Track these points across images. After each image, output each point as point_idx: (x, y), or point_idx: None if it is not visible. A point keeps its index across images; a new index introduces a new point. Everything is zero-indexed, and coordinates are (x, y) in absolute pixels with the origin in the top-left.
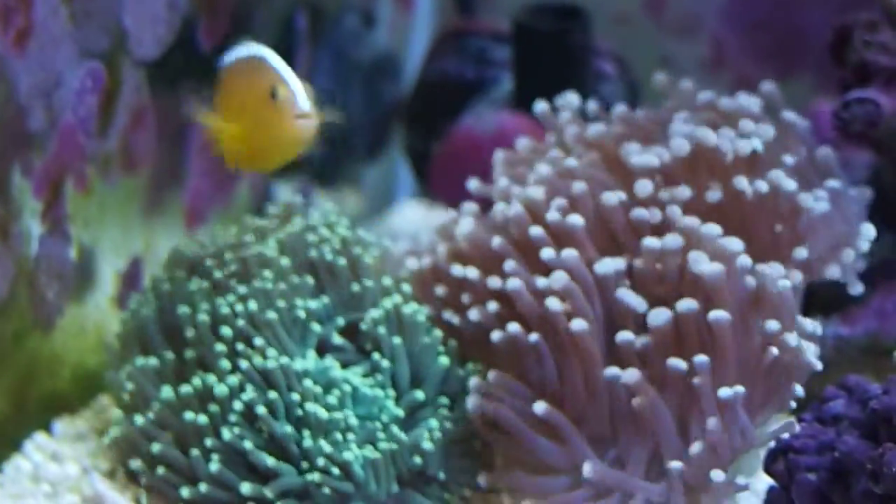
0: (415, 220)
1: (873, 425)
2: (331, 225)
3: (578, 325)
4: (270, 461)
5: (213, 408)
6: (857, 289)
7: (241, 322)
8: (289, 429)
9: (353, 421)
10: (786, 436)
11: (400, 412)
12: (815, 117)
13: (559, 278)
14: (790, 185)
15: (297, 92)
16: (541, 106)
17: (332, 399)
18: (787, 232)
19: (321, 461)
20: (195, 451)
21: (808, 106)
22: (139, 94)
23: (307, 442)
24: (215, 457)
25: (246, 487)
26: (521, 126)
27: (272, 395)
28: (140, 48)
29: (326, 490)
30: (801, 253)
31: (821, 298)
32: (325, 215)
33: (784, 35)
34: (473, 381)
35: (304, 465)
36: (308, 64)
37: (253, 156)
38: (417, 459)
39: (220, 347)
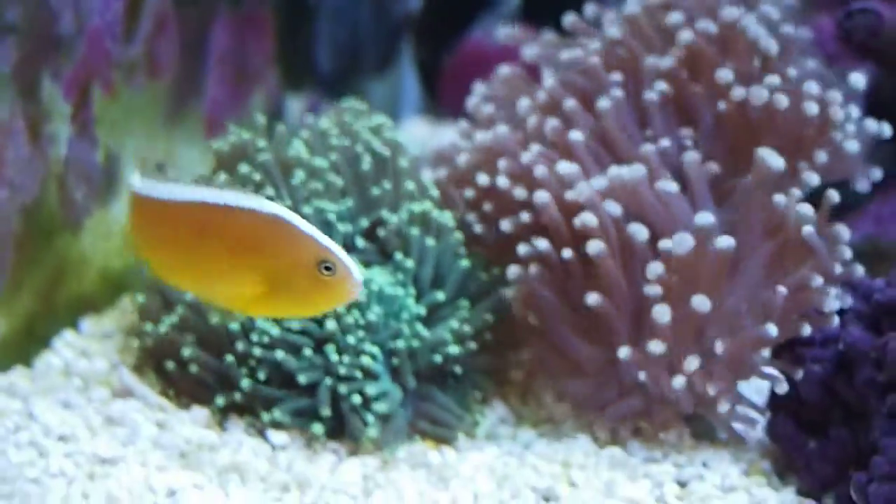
0: (420, 137)
1: (877, 317)
2: (375, 128)
3: (596, 246)
4: (302, 377)
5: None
6: (863, 185)
7: None
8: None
9: (375, 319)
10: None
11: (422, 310)
12: (818, 31)
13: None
14: (814, 87)
15: (350, 263)
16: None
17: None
18: (811, 132)
19: (344, 366)
20: (229, 357)
21: (808, 21)
22: (162, 3)
23: (329, 343)
24: (243, 370)
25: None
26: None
27: None
28: None
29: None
30: (822, 156)
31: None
32: (359, 116)
33: None
34: (513, 269)
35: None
36: None
37: (279, 313)
38: (438, 357)
39: None
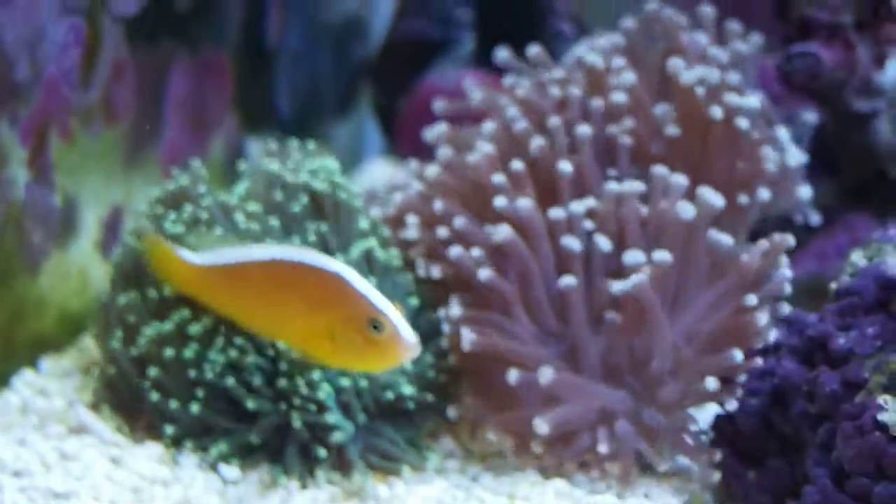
0: (383, 178)
1: (809, 351)
2: (317, 169)
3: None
4: (250, 403)
5: (194, 346)
6: (814, 219)
7: None
8: (261, 361)
9: None
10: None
11: None
12: (761, 73)
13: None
14: (745, 124)
15: (401, 325)
16: (502, 53)
17: None
18: (747, 167)
19: (298, 400)
20: (174, 403)
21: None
22: (118, 49)
23: (282, 382)
24: (199, 394)
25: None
26: (481, 83)
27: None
28: (118, 5)
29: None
30: (764, 194)
31: None
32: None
33: None
34: (454, 308)
35: (282, 405)
36: (280, 26)
37: (338, 364)
38: (389, 394)
39: None
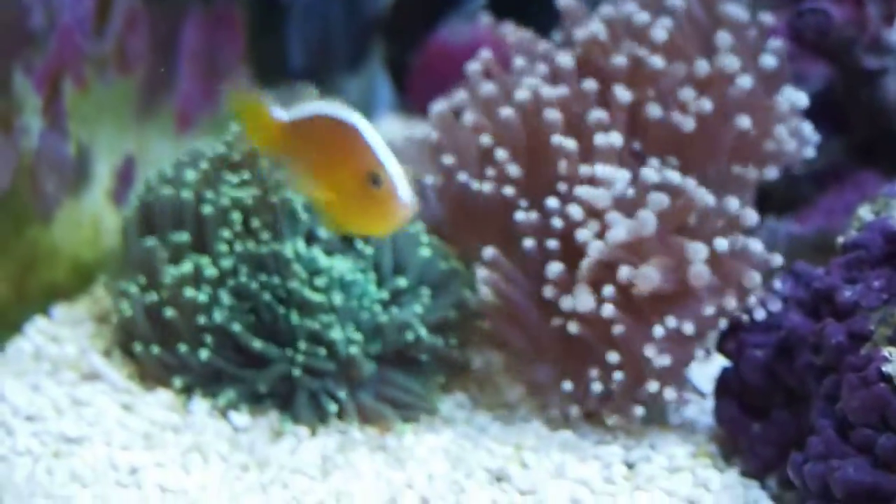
0: (394, 133)
1: (815, 304)
2: None
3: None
4: (257, 343)
5: (207, 289)
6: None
7: (236, 210)
8: (281, 309)
9: (339, 303)
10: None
11: (384, 295)
12: (772, 30)
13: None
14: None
15: (399, 182)
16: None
17: (319, 283)
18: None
19: (304, 343)
20: (183, 347)
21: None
22: None
23: (294, 321)
24: (207, 341)
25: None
26: (492, 38)
27: (263, 277)
28: None
29: (311, 369)
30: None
31: (775, 200)
32: None
33: None
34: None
35: (289, 351)
36: None
37: (344, 223)
38: (408, 335)
39: (224, 233)
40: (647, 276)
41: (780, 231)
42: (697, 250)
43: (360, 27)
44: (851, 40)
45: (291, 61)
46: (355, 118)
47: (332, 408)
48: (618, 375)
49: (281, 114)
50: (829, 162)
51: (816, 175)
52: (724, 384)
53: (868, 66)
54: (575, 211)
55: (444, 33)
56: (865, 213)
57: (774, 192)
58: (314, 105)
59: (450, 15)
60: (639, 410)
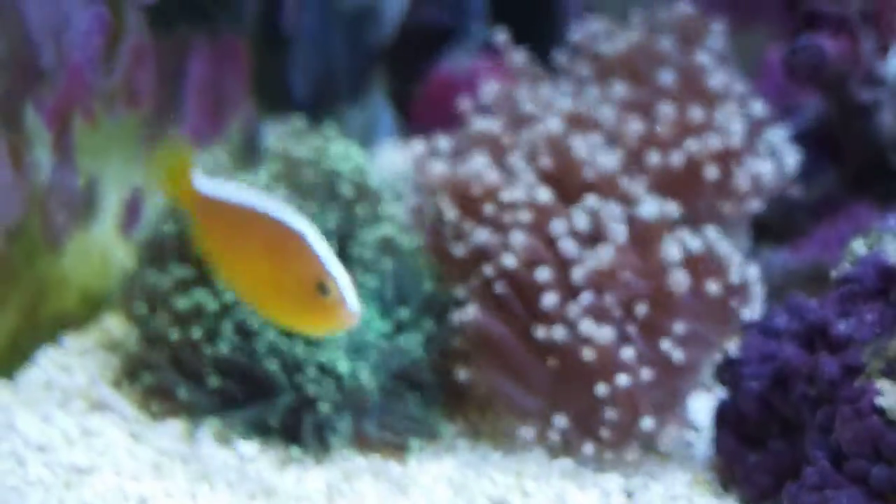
0: (396, 162)
1: (810, 336)
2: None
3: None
4: (273, 366)
5: (208, 323)
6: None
7: None
8: (281, 344)
9: (343, 335)
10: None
11: (387, 326)
12: (769, 66)
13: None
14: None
15: (347, 292)
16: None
17: None
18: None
19: (312, 372)
20: (191, 380)
21: (763, 54)
22: (140, 35)
23: (300, 353)
24: (216, 371)
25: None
26: (493, 68)
27: None
28: None
29: (316, 402)
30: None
31: (771, 230)
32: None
33: None
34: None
35: (297, 378)
36: (296, 11)
37: (281, 322)
38: (407, 365)
39: None
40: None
41: (775, 261)
42: (673, 253)
43: (362, 58)
44: (845, 74)
45: (295, 92)
46: (300, 223)
47: (338, 438)
48: (609, 413)
49: (204, 184)
50: (823, 193)
51: (811, 206)
52: (722, 415)
53: (862, 100)
54: None
55: (446, 64)
56: (859, 246)
57: (770, 222)
58: (246, 194)
59: (452, 46)
60: (634, 447)
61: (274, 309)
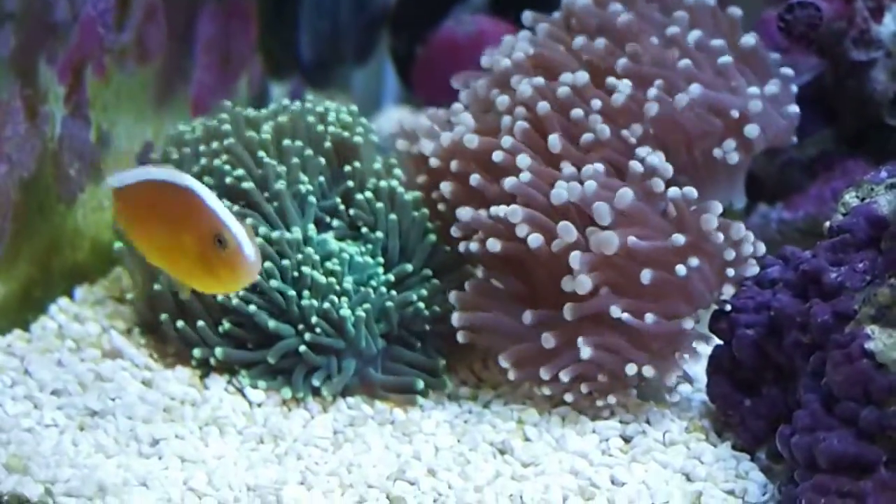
0: (401, 122)
1: (804, 285)
2: (327, 111)
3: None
4: (271, 323)
5: None
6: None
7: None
8: (291, 291)
9: (349, 285)
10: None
11: (390, 277)
12: (765, 24)
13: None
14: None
15: (244, 241)
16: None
17: (330, 266)
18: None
19: (315, 319)
20: (201, 323)
21: (759, 13)
22: None
23: (305, 302)
24: (226, 319)
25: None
26: (497, 30)
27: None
28: None
29: (322, 345)
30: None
31: (767, 187)
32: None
33: None
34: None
35: (302, 327)
36: None
37: (191, 283)
38: (409, 311)
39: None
40: (607, 241)
41: (772, 217)
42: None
43: (368, 20)
44: (841, 33)
45: (301, 54)
46: (189, 181)
47: (338, 383)
48: (608, 359)
49: (111, 181)
50: (818, 151)
51: (806, 163)
52: (716, 362)
53: (856, 59)
54: None
55: (449, 26)
56: (851, 198)
57: (766, 179)
58: (140, 171)
59: (455, 9)
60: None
61: (182, 270)
